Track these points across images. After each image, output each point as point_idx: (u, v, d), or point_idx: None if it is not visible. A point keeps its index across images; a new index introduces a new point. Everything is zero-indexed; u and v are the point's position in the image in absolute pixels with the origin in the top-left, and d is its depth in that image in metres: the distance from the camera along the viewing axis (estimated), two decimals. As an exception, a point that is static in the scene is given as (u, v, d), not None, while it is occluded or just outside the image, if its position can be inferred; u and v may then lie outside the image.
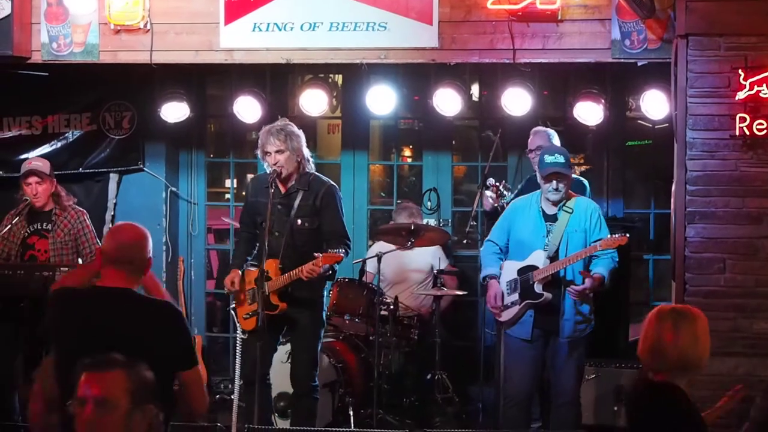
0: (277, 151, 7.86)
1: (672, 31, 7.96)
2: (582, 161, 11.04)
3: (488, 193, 9.07)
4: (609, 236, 7.61)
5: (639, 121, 10.32)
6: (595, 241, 7.66)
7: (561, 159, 7.72)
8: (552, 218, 7.83)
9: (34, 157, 9.57)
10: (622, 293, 9.52)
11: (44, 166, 8.93)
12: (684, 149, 7.72)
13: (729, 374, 7.48)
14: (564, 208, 7.82)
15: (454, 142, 11.22)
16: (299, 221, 7.91)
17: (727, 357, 7.50)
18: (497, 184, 9.05)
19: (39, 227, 8.87)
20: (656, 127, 9.94)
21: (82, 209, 9.12)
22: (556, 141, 8.90)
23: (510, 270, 7.91)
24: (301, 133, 8.06)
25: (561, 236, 7.75)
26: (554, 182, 7.72)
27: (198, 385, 5.16)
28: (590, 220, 7.79)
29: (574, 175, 8.29)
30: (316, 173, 8.19)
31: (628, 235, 7.59)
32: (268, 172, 8.03)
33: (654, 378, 4.80)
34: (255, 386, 7.78)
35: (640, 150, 10.92)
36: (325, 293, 8.16)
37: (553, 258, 7.73)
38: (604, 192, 10.47)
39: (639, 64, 8.34)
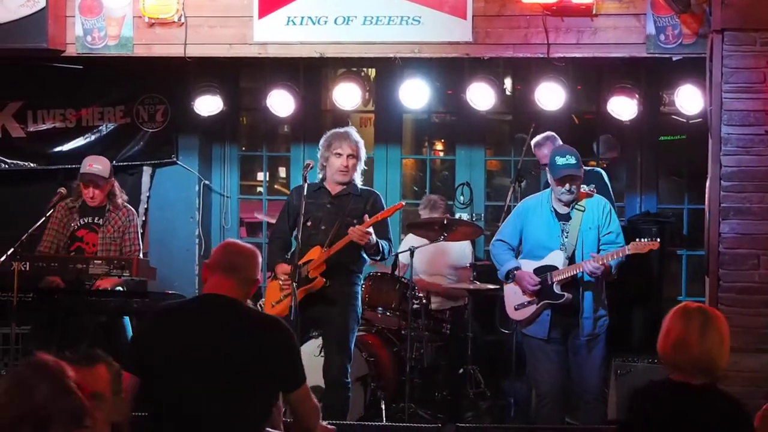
0: (350, 155, 7.94)
1: (707, 26, 7.92)
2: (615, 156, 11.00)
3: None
4: (641, 240, 7.55)
5: (673, 116, 10.25)
6: (620, 246, 7.64)
7: (572, 160, 7.67)
8: (565, 217, 7.80)
9: (95, 158, 8.99)
10: (654, 289, 9.48)
11: (104, 170, 8.77)
12: (719, 144, 7.68)
13: (762, 370, 7.43)
14: (576, 206, 7.78)
15: (486, 137, 11.19)
16: (348, 219, 7.88)
17: (760, 353, 7.45)
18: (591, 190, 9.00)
19: (90, 221, 8.83)
20: (690, 122, 9.87)
21: (132, 208, 9.05)
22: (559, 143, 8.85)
23: (526, 270, 7.87)
24: None
25: (577, 235, 7.74)
26: (567, 185, 7.71)
27: (310, 400, 5.04)
28: (602, 215, 7.77)
29: (589, 167, 8.23)
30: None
31: (659, 240, 7.58)
32: (319, 175, 8.09)
33: (669, 377, 4.73)
34: None
35: (673, 145, 10.86)
36: (359, 288, 8.16)
37: (571, 258, 7.71)
38: (637, 187, 10.44)
39: (674, 59, 8.31)
